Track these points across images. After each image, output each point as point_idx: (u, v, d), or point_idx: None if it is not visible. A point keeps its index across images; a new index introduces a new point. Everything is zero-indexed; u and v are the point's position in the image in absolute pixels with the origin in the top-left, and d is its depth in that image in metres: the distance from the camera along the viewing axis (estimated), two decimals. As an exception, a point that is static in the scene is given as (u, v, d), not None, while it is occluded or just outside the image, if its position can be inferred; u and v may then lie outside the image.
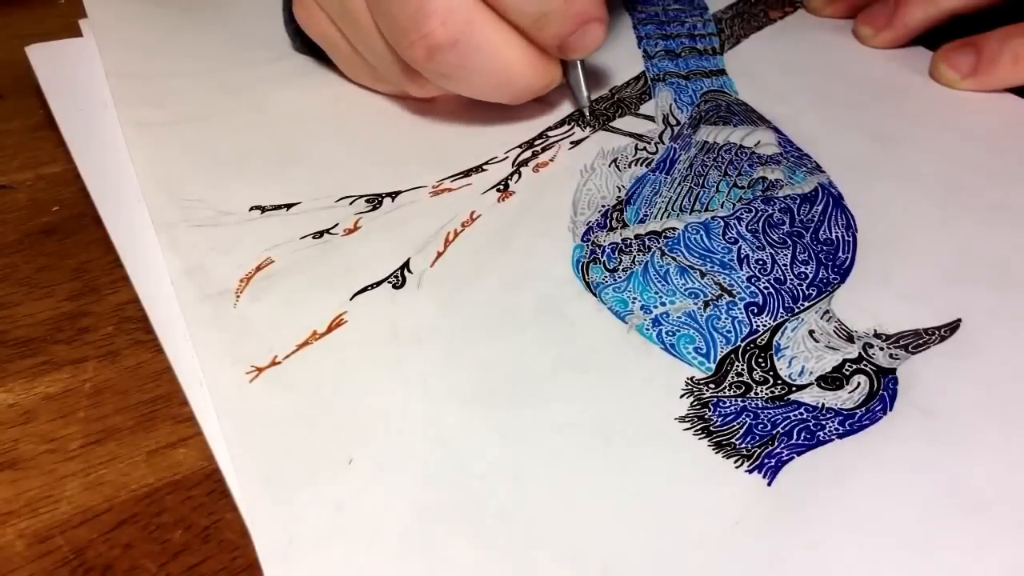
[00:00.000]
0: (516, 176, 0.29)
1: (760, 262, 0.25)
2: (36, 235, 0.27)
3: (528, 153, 0.30)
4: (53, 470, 0.20)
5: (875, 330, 0.23)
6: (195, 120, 0.31)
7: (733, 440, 0.20)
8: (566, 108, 0.33)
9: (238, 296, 0.23)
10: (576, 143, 0.31)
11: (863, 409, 0.21)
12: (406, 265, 0.25)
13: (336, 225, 0.26)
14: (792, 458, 0.20)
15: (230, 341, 0.22)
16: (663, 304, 0.24)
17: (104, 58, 0.33)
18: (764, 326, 0.23)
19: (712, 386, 0.21)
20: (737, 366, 0.22)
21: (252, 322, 0.23)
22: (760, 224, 0.27)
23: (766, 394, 0.21)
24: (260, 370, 0.21)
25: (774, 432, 0.20)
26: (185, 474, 0.20)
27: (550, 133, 0.31)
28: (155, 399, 0.22)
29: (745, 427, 0.20)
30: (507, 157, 0.30)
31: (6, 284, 0.25)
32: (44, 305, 0.24)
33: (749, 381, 0.22)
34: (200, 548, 0.18)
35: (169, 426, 0.21)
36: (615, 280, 0.25)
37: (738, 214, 0.27)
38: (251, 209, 0.27)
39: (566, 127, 0.32)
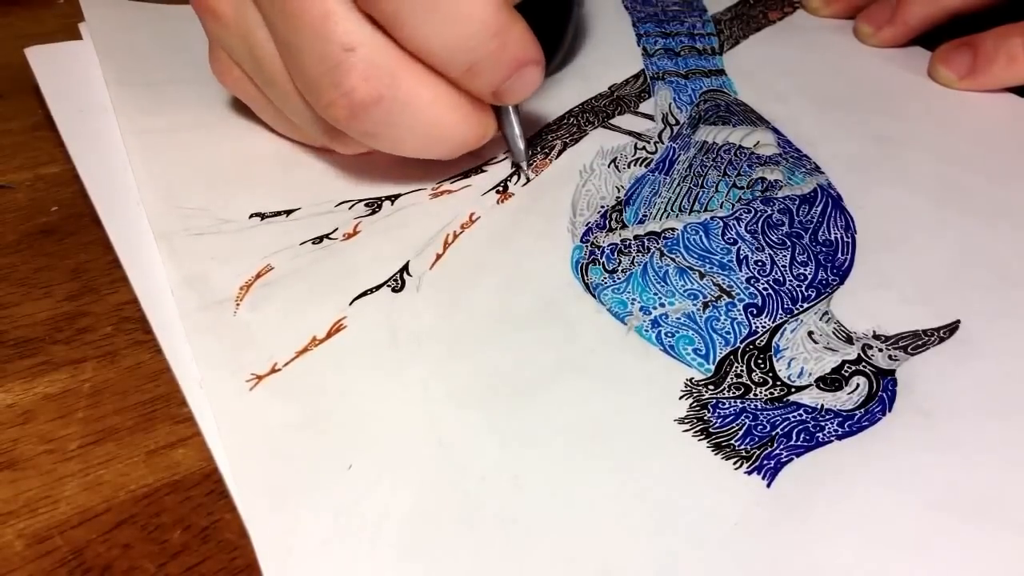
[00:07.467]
0: (515, 177, 0.29)
1: (759, 263, 0.25)
2: (35, 235, 0.27)
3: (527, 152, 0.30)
4: (52, 470, 0.20)
5: (874, 331, 0.23)
6: (195, 127, 0.31)
7: (732, 441, 0.20)
8: (567, 104, 0.33)
9: (238, 304, 0.23)
10: (575, 141, 0.31)
11: (862, 410, 0.21)
12: (405, 268, 0.25)
13: (336, 230, 0.26)
14: (791, 459, 0.20)
15: (230, 350, 0.22)
16: (662, 305, 0.24)
17: (103, 66, 0.33)
18: (763, 327, 0.23)
19: (711, 387, 0.21)
20: (736, 367, 0.22)
21: (252, 330, 0.22)
22: (759, 225, 0.27)
23: (765, 395, 0.21)
24: (260, 378, 0.21)
25: (773, 433, 0.20)
26: (184, 474, 0.20)
27: (549, 133, 0.31)
28: (154, 399, 0.21)
29: (744, 428, 0.20)
30: (506, 157, 0.30)
31: (5, 284, 0.25)
32: (43, 305, 0.24)
33: (748, 382, 0.22)
34: (199, 548, 0.18)
35: (168, 426, 0.21)
36: (614, 281, 0.25)
37: (737, 215, 0.27)
38: (251, 216, 0.27)
39: (559, 132, 0.32)
